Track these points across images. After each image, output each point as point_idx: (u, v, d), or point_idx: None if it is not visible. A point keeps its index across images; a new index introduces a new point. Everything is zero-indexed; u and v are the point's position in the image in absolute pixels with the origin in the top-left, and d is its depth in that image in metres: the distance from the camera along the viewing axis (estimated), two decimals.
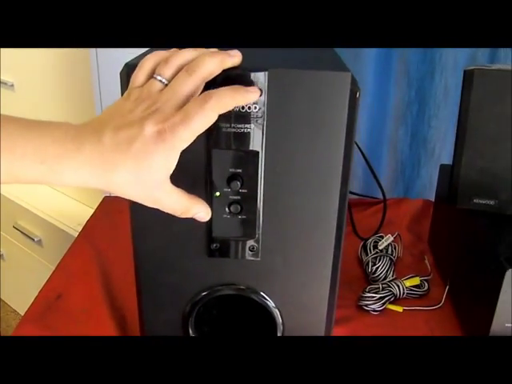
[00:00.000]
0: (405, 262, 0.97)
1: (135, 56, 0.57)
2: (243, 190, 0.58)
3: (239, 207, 0.59)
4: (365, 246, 0.97)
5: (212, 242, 0.61)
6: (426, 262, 0.96)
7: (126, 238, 0.64)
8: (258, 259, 0.62)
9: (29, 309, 0.83)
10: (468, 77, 0.76)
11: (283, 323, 0.66)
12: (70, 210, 1.60)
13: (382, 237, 0.97)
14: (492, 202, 0.79)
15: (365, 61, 1.32)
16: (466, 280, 0.82)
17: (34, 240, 1.63)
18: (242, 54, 0.52)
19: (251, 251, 0.62)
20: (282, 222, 0.61)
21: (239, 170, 0.57)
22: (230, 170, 0.57)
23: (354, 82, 0.55)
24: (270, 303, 0.65)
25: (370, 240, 0.97)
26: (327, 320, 0.67)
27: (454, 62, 1.29)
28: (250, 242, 0.61)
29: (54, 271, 0.92)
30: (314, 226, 0.61)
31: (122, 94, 0.54)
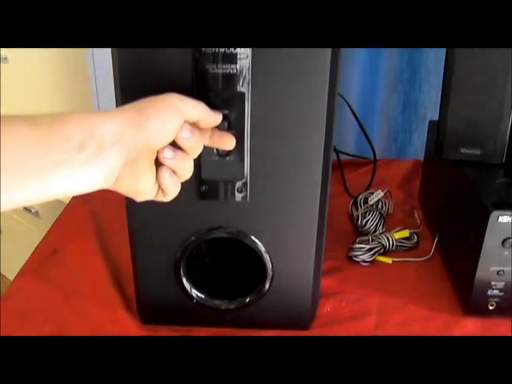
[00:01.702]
0: (395, 218, 0.99)
1: None
2: (231, 132, 0.59)
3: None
4: (355, 202, 0.98)
5: (201, 184, 0.63)
6: (416, 216, 0.98)
7: (121, 197, 0.65)
8: (247, 201, 0.64)
9: (26, 262, 0.85)
10: None
11: (273, 267, 0.68)
12: None
13: (373, 193, 0.98)
14: (478, 152, 0.81)
15: None
16: (454, 229, 0.84)
17: (31, 211, 1.64)
18: None
19: (240, 193, 0.63)
20: (269, 164, 0.62)
21: (226, 112, 0.58)
22: (218, 111, 0.59)
23: None
24: (260, 246, 0.67)
25: (360, 196, 0.99)
26: (315, 264, 0.69)
27: None
28: (239, 184, 0.63)
29: (49, 229, 0.94)
30: (300, 167, 0.63)
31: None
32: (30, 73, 1.56)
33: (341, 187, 1.07)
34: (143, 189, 0.51)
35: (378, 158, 1.10)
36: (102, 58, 1.29)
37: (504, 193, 0.74)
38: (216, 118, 0.55)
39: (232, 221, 0.66)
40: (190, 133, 0.51)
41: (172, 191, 0.53)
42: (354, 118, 1.11)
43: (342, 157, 1.14)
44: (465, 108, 0.79)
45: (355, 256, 0.85)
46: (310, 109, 0.60)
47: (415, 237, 0.90)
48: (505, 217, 0.69)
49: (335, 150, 1.15)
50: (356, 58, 1.35)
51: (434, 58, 1.33)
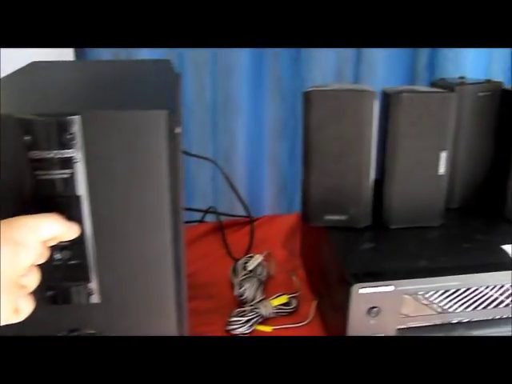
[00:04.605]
0: (277, 280, 0.98)
1: None
2: None
3: (69, 253, 0.58)
4: (234, 269, 0.97)
5: (47, 289, 0.60)
6: (294, 278, 0.97)
7: None
8: (99, 302, 0.61)
9: None
10: (307, 98, 0.78)
11: None
12: None
13: (253, 257, 0.98)
14: (343, 218, 0.82)
15: (237, 79, 1.34)
16: (327, 294, 0.84)
17: None
18: (55, 97, 0.52)
19: (90, 295, 0.61)
20: (117, 263, 0.60)
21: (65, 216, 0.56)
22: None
23: (171, 119, 0.55)
24: None
25: (240, 261, 0.98)
26: None
27: (322, 76, 1.32)
28: (88, 286, 0.60)
29: None
30: (149, 261, 0.61)
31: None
32: None
33: (223, 250, 1.06)
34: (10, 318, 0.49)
35: (267, 209, 1.10)
36: None
37: (367, 261, 0.75)
38: (75, 231, 0.55)
39: (86, 322, 0.63)
40: (45, 249, 0.51)
41: (28, 310, 0.51)
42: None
43: (223, 218, 1.13)
44: (325, 176, 0.80)
45: (233, 330, 0.84)
46: (150, 204, 0.58)
47: (294, 301, 0.90)
48: (366, 288, 0.70)
49: (216, 212, 1.15)
50: (240, 109, 1.36)
51: None
